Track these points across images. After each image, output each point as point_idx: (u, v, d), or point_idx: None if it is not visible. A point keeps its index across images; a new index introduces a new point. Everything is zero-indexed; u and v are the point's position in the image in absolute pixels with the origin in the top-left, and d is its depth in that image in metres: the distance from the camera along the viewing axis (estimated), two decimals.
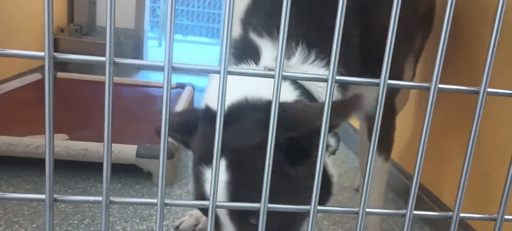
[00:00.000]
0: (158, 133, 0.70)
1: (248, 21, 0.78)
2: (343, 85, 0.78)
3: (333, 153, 0.76)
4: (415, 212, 0.44)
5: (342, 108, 0.58)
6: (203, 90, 0.88)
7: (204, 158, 0.65)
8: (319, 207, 0.42)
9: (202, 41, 6.04)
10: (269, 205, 0.41)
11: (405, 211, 0.44)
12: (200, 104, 0.76)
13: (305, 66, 0.71)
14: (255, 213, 0.60)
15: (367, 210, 0.43)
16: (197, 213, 1.14)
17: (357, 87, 0.80)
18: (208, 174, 0.64)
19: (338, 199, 1.42)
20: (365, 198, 0.42)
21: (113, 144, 1.36)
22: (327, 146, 0.67)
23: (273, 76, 0.38)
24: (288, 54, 0.71)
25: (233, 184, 0.60)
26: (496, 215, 0.45)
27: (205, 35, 6.22)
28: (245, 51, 0.76)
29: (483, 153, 1.06)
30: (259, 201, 0.61)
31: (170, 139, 0.75)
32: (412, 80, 1.19)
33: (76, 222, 1.11)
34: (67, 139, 1.42)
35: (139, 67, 0.39)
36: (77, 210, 1.16)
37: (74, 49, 3.08)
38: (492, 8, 0.97)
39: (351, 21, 0.76)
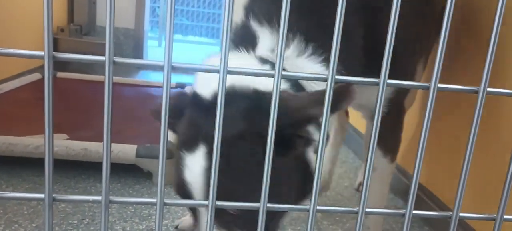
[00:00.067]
0: (155, 115, 0.70)
1: (250, 7, 0.77)
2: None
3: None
4: (414, 211, 0.44)
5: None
6: None
7: (186, 144, 0.64)
8: (318, 207, 0.42)
9: (202, 41, 6.04)
10: (269, 205, 0.41)
11: (404, 210, 0.44)
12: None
13: (300, 60, 0.70)
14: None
15: (367, 209, 0.43)
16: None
17: (359, 87, 0.80)
18: (188, 160, 0.63)
19: (338, 199, 1.42)
20: (365, 197, 0.42)
21: (113, 144, 1.36)
22: (311, 140, 0.65)
23: (272, 76, 0.38)
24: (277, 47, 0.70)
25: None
26: (495, 215, 0.45)
27: (205, 35, 6.23)
28: (243, 38, 0.75)
29: (501, 152, 1.05)
30: (235, 189, 0.61)
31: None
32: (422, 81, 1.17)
33: (75, 221, 1.11)
34: (67, 139, 1.42)
35: (139, 67, 0.39)
36: (76, 210, 1.16)
37: (74, 49, 3.08)
38: None
39: (354, 19, 0.75)
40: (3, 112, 1.69)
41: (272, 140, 0.40)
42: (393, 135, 0.97)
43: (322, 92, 0.57)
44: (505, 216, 0.45)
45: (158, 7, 5.58)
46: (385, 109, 0.88)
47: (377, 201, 1.01)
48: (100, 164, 0.39)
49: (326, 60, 0.69)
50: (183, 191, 0.65)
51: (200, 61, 0.65)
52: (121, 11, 3.58)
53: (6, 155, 1.32)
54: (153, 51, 4.44)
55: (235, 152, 0.61)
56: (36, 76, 2.25)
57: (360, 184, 1.51)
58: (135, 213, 1.18)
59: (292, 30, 0.70)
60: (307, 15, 0.72)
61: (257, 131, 0.60)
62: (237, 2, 0.78)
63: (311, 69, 0.69)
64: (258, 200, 0.41)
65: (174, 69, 0.37)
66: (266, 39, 0.72)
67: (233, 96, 0.62)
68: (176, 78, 2.79)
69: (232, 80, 0.62)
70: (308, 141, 0.65)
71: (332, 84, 0.39)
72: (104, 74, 0.36)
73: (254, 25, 0.73)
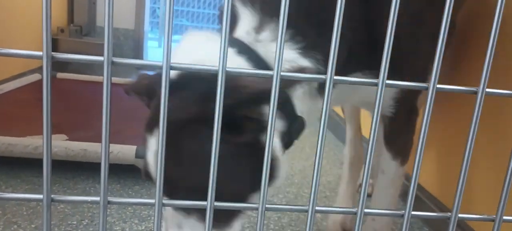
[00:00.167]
0: (128, 91, 0.69)
1: None
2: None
3: (290, 142, 0.70)
4: (413, 212, 0.44)
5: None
6: None
7: (148, 125, 0.64)
8: (317, 208, 0.42)
9: None
10: (267, 206, 0.41)
11: (403, 211, 0.44)
12: None
13: (274, 45, 0.65)
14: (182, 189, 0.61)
15: (365, 210, 0.43)
16: None
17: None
18: (150, 141, 0.65)
19: (337, 200, 1.42)
20: (364, 198, 0.42)
21: (112, 144, 1.36)
22: (264, 123, 0.60)
23: (271, 76, 0.38)
24: (260, 28, 0.67)
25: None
26: (494, 216, 0.45)
27: None
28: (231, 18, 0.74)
29: (500, 152, 1.04)
30: (183, 173, 0.60)
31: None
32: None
33: (74, 222, 1.11)
34: (66, 139, 1.42)
35: (138, 67, 0.39)
36: (76, 211, 1.16)
37: (74, 49, 3.08)
38: None
39: (355, 15, 0.71)
40: (3, 113, 1.69)
41: (273, 132, 0.40)
42: (403, 136, 0.91)
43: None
44: (504, 217, 0.45)
45: (158, 8, 5.59)
46: (392, 110, 0.84)
47: (386, 205, 0.95)
48: (100, 164, 0.39)
49: (304, 49, 0.66)
50: (145, 172, 0.66)
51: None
52: (121, 12, 3.58)
53: (5, 155, 1.32)
54: (153, 52, 4.44)
55: (185, 135, 0.60)
56: (36, 76, 2.25)
57: (360, 185, 1.51)
58: (134, 213, 1.18)
59: (271, 13, 0.67)
60: None
61: (210, 115, 0.54)
62: None
63: (284, 55, 0.64)
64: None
65: (173, 69, 0.37)
66: (245, 20, 0.69)
67: (191, 78, 0.60)
68: None
69: (195, 60, 0.58)
70: (260, 123, 0.60)
71: (331, 85, 0.38)
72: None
73: (237, 5, 0.70)
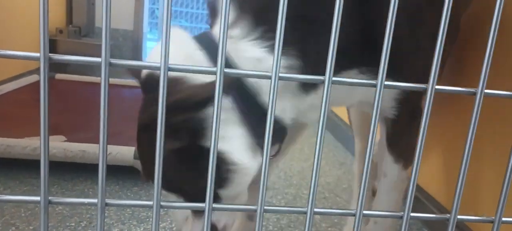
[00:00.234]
0: (133, 74, 0.68)
1: None
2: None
3: (274, 154, 0.70)
4: (412, 214, 0.44)
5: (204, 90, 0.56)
6: None
7: (141, 131, 0.65)
8: (316, 209, 0.42)
9: None
10: (266, 207, 0.41)
11: (402, 213, 0.43)
12: None
13: (243, 42, 0.65)
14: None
15: (364, 212, 0.42)
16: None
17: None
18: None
19: (336, 201, 1.42)
20: (362, 199, 0.42)
21: (110, 146, 1.36)
22: (203, 130, 0.62)
23: (269, 77, 0.38)
24: (234, 24, 0.66)
25: None
26: (493, 217, 0.45)
27: None
28: (211, 14, 0.72)
29: (499, 154, 1.03)
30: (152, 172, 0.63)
31: None
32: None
33: (73, 224, 1.10)
34: (65, 141, 1.41)
35: (136, 68, 0.39)
36: (74, 213, 1.16)
37: (73, 50, 3.07)
38: None
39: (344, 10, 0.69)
40: (2, 114, 1.69)
41: (270, 132, 0.39)
42: (406, 139, 0.87)
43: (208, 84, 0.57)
44: (503, 219, 0.45)
45: (157, 8, 5.59)
46: (394, 111, 0.81)
47: (388, 209, 0.92)
48: (98, 166, 0.39)
49: (272, 47, 0.63)
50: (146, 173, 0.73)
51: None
52: (120, 13, 3.58)
53: (4, 156, 1.31)
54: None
55: (141, 140, 0.64)
56: (35, 77, 2.25)
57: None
58: (132, 215, 1.17)
59: (245, 10, 0.65)
60: None
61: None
62: None
63: (251, 53, 0.64)
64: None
65: (171, 70, 0.37)
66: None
67: (157, 80, 0.61)
68: None
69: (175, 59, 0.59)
70: (198, 131, 0.61)
71: (330, 86, 0.38)
72: None
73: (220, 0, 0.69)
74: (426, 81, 0.41)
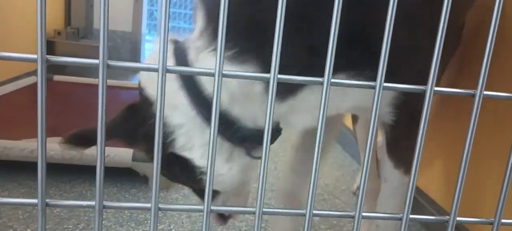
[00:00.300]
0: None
1: None
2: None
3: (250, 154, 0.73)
4: (411, 216, 0.43)
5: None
6: None
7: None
8: (315, 211, 0.42)
9: None
10: (265, 209, 0.41)
11: (401, 215, 0.43)
12: None
13: (204, 54, 0.65)
14: None
15: (363, 213, 0.42)
16: None
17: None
18: None
19: (335, 203, 1.42)
20: (361, 201, 0.42)
21: (108, 148, 1.35)
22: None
23: (268, 79, 0.37)
24: (202, 33, 0.65)
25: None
26: (493, 219, 0.45)
27: None
28: (196, 19, 0.73)
29: (499, 155, 1.03)
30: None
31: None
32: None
33: (70, 226, 1.10)
34: None
35: (133, 70, 0.38)
36: (72, 215, 1.15)
37: (72, 52, 3.07)
38: None
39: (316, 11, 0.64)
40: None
41: (268, 140, 0.39)
42: (406, 144, 0.84)
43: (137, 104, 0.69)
44: (503, 220, 0.45)
45: (156, 10, 5.59)
46: (392, 117, 0.78)
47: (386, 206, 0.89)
48: (96, 168, 0.38)
49: (235, 54, 0.63)
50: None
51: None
52: (119, 14, 3.58)
53: (1, 158, 1.31)
54: None
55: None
56: (33, 79, 2.24)
57: (358, 188, 1.49)
58: (131, 217, 1.17)
59: (211, 19, 0.65)
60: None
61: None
62: None
63: (209, 64, 0.63)
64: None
65: (169, 73, 0.37)
66: (198, 22, 0.67)
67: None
68: None
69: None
70: (165, 142, 0.68)
71: (328, 87, 0.38)
72: None
73: (198, 5, 0.68)
74: (423, 84, 0.41)
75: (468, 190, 1.10)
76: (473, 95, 0.41)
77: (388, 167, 0.85)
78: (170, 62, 0.66)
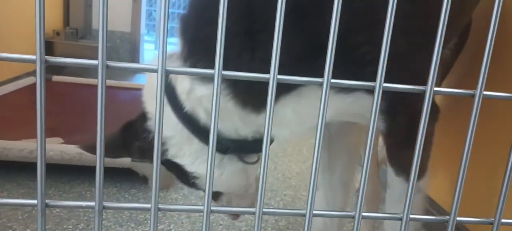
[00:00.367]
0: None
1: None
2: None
3: (255, 161, 0.76)
4: (411, 215, 0.43)
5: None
6: None
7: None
8: (315, 211, 0.42)
9: None
10: (264, 210, 0.41)
11: (401, 215, 0.43)
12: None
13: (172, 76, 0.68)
14: None
15: (363, 214, 0.42)
16: None
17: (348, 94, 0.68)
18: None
19: None
20: (361, 202, 0.42)
21: None
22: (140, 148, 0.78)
23: (267, 80, 0.37)
24: (179, 53, 0.67)
25: None
26: (493, 219, 0.45)
27: None
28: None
29: (499, 155, 1.03)
30: None
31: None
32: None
33: (70, 226, 1.10)
34: (62, 143, 1.41)
35: (132, 71, 0.38)
36: (71, 215, 1.15)
37: (70, 52, 3.07)
38: None
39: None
40: None
41: (268, 146, 0.39)
42: (406, 151, 0.79)
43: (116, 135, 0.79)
44: (503, 220, 0.45)
45: (155, 10, 5.58)
46: (385, 124, 0.75)
47: (394, 222, 0.86)
48: (95, 168, 0.38)
49: (200, 79, 0.66)
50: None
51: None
52: (118, 15, 3.58)
53: (1, 159, 1.31)
54: (150, 55, 4.43)
55: None
56: (32, 79, 2.24)
57: (357, 190, 1.49)
58: (130, 217, 1.17)
59: (185, 37, 0.67)
60: (198, 24, 0.67)
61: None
62: None
63: (184, 84, 0.67)
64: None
65: (169, 73, 0.37)
66: (178, 42, 0.70)
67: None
68: None
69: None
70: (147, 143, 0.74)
71: (328, 87, 0.38)
72: None
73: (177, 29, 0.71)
74: (422, 82, 0.41)
75: (468, 190, 1.10)
76: (473, 96, 0.41)
77: (391, 174, 0.83)
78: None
